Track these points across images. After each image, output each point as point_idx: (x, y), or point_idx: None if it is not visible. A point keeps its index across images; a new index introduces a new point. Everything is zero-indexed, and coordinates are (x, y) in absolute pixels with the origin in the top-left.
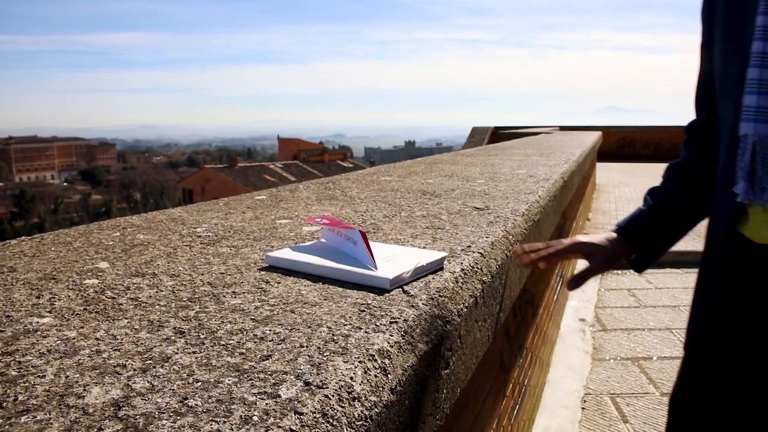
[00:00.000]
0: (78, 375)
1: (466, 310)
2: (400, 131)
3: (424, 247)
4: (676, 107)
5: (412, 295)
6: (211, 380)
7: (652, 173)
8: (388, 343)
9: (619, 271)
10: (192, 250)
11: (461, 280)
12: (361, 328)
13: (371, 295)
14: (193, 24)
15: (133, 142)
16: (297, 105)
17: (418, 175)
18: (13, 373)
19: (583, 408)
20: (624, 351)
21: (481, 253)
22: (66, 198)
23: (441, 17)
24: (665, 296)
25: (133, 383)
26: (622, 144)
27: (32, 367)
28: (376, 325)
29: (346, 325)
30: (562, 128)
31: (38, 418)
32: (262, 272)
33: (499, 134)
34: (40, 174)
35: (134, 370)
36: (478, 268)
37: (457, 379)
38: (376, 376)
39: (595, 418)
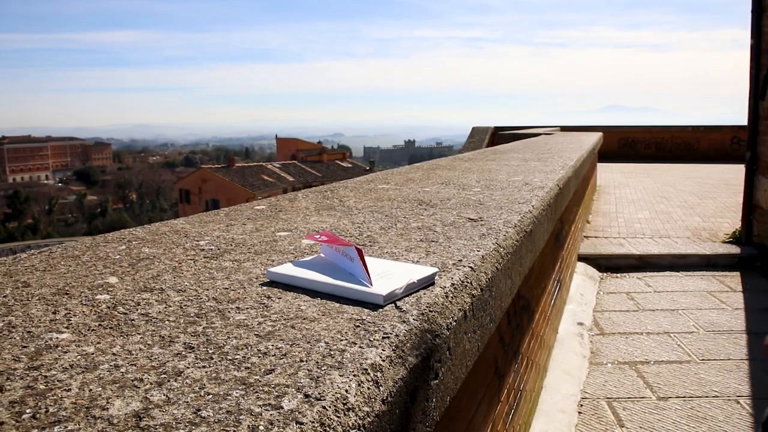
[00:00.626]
0: (100, 388)
1: (455, 323)
2: (399, 130)
3: (417, 262)
4: (678, 105)
5: (403, 310)
6: (221, 393)
7: (654, 173)
8: (381, 357)
9: (618, 275)
10: (196, 264)
11: (451, 295)
12: (355, 343)
13: (366, 310)
14: (190, 22)
15: (129, 141)
16: (295, 104)
17: (415, 183)
18: (41, 386)
19: (579, 412)
20: (622, 355)
21: (471, 267)
22: (61, 199)
23: (441, 15)
24: (664, 300)
25: (151, 396)
26: (623, 144)
27: (58, 381)
28: (370, 340)
29: (342, 340)
30: (563, 128)
31: (69, 428)
32: (264, 287)
33: (499, 135)
34: (34, 174)
35: (151, 383)
36: (468, 282)
37: (446, 389)
38: (368, 388)
39: (591, 422)
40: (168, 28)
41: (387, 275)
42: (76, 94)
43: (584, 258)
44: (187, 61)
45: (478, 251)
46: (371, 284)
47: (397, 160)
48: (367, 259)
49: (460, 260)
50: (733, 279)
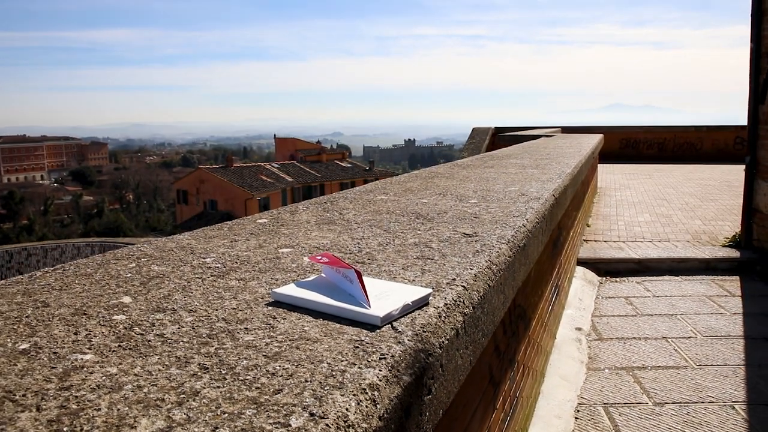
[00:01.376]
0: (127, 408)
1: (447, 342)
2: (399, 129)
3: (413, 281)
4: (682, 104)
5: (399, 331)
6: (235, 412)
7: (655, 175)
8: (377, 377)
9: (618, 279)
10: (204, 283)
11: (444, 315)
12: (355, 364)
13: (364, 331)
14: (187, 20)
15: (125, 141)
16: (294, 103)
17: (413, 193)
18: (74, 406)
19: (576, 418)
20: (619, 360)
21: (464, 286)
22: (56, 199)
23: (441, 12)
24: (663, 304)
25: (173, 415)
26: (625, 145)
27: (88, 401)
28: (368, 361)
29: (342, 361)
30: (564, 129)
31: None
32: (269, 307)
33: (499, 136)
34: (30, 174)
35: (172, 403)
36: (460, 301)
37: (439, 402)
38: (366, 406)
39: (587, 427)
40: (165, 26)
41: (384, 296)
42: (72, 93)
43: (583, 262)
44: (184, 59)
45: (471, 269)
46: (369, 306)
47: (397, 160)
48: (365, 279)
49: (454, 279)
50: (733, 283)
